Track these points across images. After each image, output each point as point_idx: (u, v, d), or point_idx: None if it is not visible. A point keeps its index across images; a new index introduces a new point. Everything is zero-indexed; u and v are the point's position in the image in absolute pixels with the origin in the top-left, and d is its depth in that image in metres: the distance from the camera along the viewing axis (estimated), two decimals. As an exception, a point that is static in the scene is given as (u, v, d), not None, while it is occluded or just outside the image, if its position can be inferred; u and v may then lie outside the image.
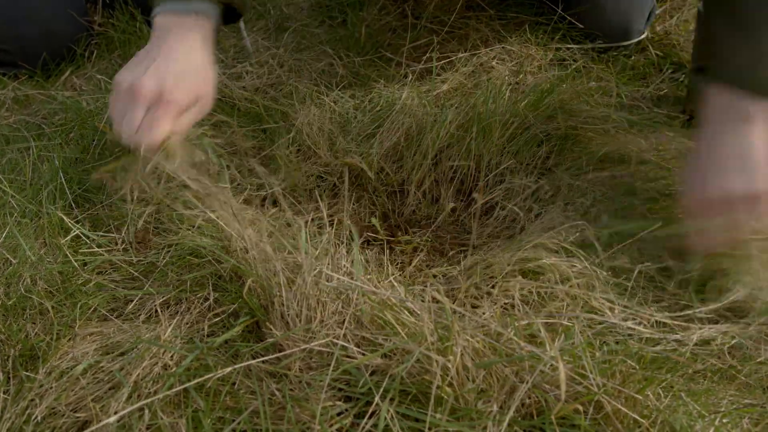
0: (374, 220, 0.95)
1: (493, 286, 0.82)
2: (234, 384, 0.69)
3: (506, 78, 1.19)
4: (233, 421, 0.65)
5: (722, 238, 0.82)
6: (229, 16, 1.00)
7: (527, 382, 0.63)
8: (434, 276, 0.87)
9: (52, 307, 0.79)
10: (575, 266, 0.82)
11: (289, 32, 1.36)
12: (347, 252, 0.85)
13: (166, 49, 0.87)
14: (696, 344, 0.73)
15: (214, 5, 0.93)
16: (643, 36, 1.35)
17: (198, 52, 0.90)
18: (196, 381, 0.65)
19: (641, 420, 0.63)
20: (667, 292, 0.82)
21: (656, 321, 0.76)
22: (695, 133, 0.88)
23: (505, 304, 0.79)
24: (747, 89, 0.83)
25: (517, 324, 0.69)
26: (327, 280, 0.74)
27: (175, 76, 0.85)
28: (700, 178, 0.84)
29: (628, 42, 1.33)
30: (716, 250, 0.82)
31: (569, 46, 1.29)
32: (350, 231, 0.88)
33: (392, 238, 0.94)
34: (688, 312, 0.77)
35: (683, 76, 1.31)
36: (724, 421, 0.67)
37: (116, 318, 0.80)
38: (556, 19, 1.30)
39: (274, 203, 0.98)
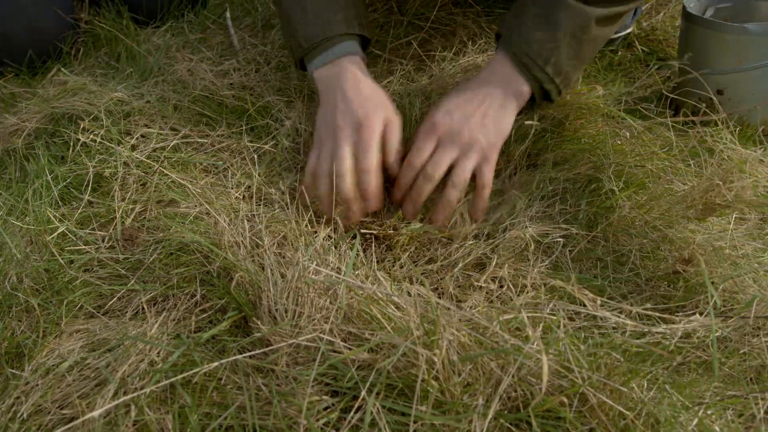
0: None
1: (477, 280, 0.82)
2: (221, 379, 0.69)
3: None
4: (220, 416, 0.65)
5: None
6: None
7: (511, 375, 0.64)
8: (422, 273, 0.87)
9: (38, 305, 0.79)
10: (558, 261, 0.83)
11: (277, 29, 1.36)
12: (335, 247, 0.86)
13: (339, 95, 0.94)
14: (681, 337, 0.74)
15: (355, 42, 1.00)
16: (628, 30, 1.36)
17: (365, 82, 0.95)
18: (182, 375, 0.65)
19: (626, 412, 0.64)
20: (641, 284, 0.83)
21: (638, 314, 0.77)
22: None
23: (488, 295, 0.80)
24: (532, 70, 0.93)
25: (501, 318, 0.69)
26: (314, 275, 0.74)
27: (360, 108, 0.91)
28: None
29: (615, 36, 1.34)
30: None
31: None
32: (344, 228, 0.88)
33: (380, 232, 0.94)
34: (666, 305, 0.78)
35: (670, 72, 1.31)
36: (709, 412, 0.67)
37: (102, 315, 0.80)
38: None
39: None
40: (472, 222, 0.92)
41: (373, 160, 0.89)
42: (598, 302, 0.74)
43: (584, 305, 0.76)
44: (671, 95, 1.15)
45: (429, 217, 0.93)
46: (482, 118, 0.92)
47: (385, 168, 0.93)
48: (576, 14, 0.91)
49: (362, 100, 0.92)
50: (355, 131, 0.90)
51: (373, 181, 0.89)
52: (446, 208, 0.91)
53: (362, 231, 0.92)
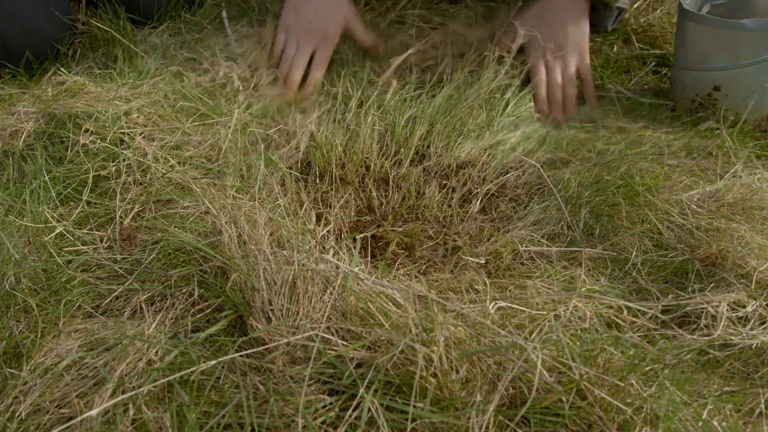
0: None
1: (477, 272, 0.82)
2: (218, 378, 0.69)
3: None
4: (218, 414, 0.65)
5: None
6: None
7: (510, 372, 0.64)
8: (418, 271, 0.87)
9: (37, 305, 0.79)
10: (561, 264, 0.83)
11: (272, 26, 1.36)
12: (335, 242, 0.86)
13: None
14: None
15: None
16: (623, 5, 1.32)
17: None
18: (180, 374, 0.65)
19: (624, 408, 0.64)
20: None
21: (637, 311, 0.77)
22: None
23: (492, 295, 0.80)
24: None
25: (499, 314, 0.69)
26: (313, 272, 0.74)
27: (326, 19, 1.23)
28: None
29: (617, 5, 1.30)
30: None
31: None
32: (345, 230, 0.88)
33: (378, 230, 0.94)
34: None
35: (666, 68, 1.31)
36: (708, 408, 0.67)
37: (100, 315, 0.80)
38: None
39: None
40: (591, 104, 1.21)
41: (319, 75, 1.22)
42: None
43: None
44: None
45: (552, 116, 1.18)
46: (565, 28, 1.21)
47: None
48: None
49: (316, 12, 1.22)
50: (317, 40, 1.21)
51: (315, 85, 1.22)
52: (570, 104, 1.20)
53: (360, 234, 0.93)
